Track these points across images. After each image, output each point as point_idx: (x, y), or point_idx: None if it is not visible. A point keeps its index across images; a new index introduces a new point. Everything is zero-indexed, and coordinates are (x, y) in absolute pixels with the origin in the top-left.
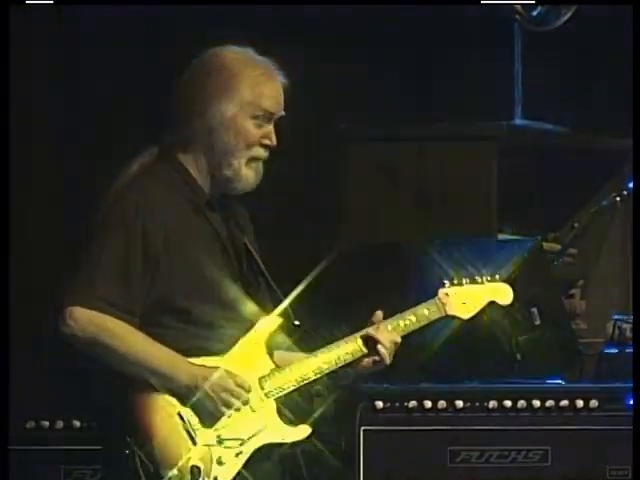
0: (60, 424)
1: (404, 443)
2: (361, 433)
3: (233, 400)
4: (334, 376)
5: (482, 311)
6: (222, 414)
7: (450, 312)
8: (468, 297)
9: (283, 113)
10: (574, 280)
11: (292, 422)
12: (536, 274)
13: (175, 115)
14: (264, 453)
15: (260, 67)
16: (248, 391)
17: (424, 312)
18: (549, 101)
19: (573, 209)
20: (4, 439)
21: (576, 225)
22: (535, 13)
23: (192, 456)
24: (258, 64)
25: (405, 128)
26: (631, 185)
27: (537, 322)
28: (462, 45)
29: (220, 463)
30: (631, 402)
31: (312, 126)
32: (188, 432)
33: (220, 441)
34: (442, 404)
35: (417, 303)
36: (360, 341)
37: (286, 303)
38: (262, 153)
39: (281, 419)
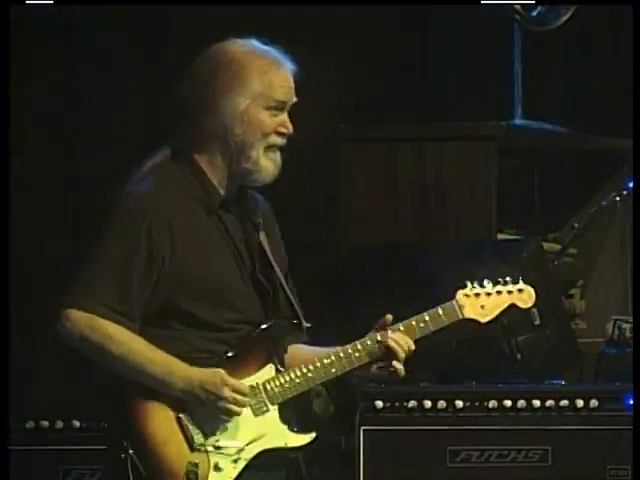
0: (60, 424)
1: (404, 443)
2: (361, 433)
3: (230, 406)
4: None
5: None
6: (219, 420)
7: (467, 315)
8: (488, 300)
9: (295, 99)
10: (574, 280)
11: (293, 425)
12: (536, 274)
13: (185, 114)
14: (264, 459)
15: (267, 57)
16: (246, 396)
17: (439, 315)
18: (549, 101)
19: (573, 209)
20: (4, 439)
21: (576, 225)
22: (535, 13)
23: (189, 461)
24: (264, 54)
25: (405, 128)
26: (631, 185)
27: (537, 322)
28: (462, 45)
29: (217, 469)
30: (631, 402)
31: (312, 126)
32: (186, 437)
33: (218, 447)
34: (442, 404)
35: (417, 303)
36: (373, 345)
37: (295, 305)
38: (279, 140)
39: (283, 423)
